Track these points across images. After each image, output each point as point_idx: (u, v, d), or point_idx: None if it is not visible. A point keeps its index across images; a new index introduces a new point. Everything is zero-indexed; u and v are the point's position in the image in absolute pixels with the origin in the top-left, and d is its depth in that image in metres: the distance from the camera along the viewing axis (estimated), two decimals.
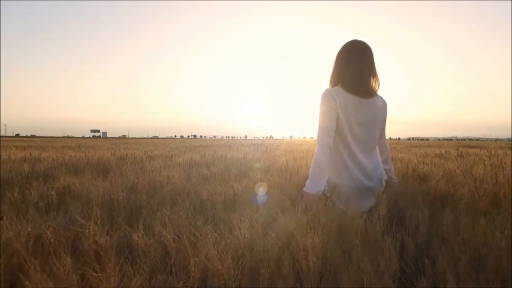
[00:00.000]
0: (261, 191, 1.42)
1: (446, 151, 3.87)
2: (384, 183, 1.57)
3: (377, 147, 1.63)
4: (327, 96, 1.48)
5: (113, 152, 3.08)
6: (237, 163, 2.81)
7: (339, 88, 1.50)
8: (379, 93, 1.59)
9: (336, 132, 1.50)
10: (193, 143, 12.66)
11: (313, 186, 1.43)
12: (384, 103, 1.59)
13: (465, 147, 6.70)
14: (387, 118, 1.64)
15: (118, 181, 1.69)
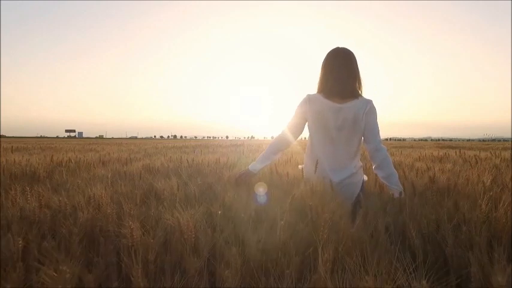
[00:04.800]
0: (261, 191, 1.36)
1: (445, 153, 3.49)
2: (359, 190, 1.58)
3: (355, 152, 1.62)
4: (303, 101, 1.65)
5: (51, 156, 2.47)
6: (206, 170, 2.28)
7: (318, 95, 1.61)
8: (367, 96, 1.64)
9: (309, 136, 1.68)
10: (170, 143, 11.94)
11: (255, 165, 1.67)
12: (368, 105, 1.57)
13: (454, 149, 6.46)
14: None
15: (14, 205, 1.12)
